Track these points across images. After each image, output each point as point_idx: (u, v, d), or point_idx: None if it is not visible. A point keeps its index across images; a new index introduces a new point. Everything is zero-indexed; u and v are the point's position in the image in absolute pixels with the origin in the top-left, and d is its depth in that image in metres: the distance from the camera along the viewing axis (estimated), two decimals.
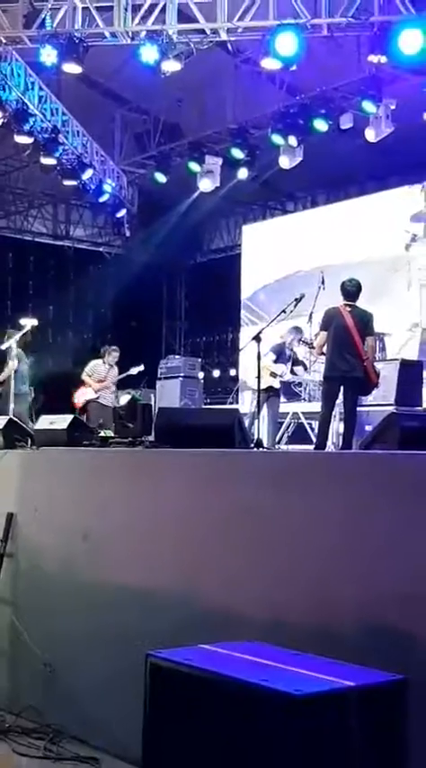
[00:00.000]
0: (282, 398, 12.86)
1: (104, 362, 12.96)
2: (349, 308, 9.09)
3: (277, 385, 11.09)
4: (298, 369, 11.25)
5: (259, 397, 8.66)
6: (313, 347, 9.57)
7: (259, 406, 8.84)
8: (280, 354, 11.07)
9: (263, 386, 10.62)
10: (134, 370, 13.02)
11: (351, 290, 9.17)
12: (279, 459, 6.03)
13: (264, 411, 10.52)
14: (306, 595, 4.52)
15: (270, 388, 10.83)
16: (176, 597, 5.20)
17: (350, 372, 8.90)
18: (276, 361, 11.01)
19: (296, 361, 11.17)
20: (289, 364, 11.06)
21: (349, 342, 8.91)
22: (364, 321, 9.09)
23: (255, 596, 4.74)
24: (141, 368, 13.06)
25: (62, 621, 6.15)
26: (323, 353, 9.26)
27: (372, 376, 8.96)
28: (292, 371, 11.22)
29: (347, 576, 4.35)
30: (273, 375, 10.90)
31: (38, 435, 7.44)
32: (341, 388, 9.04)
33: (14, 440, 7.61)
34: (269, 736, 3.46)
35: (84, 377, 12.88)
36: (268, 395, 10.72)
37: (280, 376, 11.07)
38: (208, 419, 6.91)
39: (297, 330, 11.17)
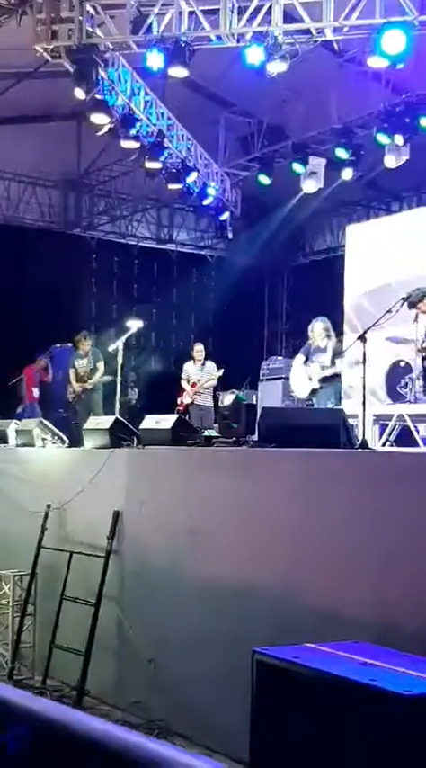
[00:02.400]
0: (387, 400, 12.70)
1: (195, 362, 13.20)
2: None
3: (316, 385, 10.87)
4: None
5: (364, 396, 8.57)
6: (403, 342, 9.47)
7: (364, 407, 8.73)
8: (309, 354, 10.97)
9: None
10: (217, 375, 13.10)
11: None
12: (386, 460, 5.96)
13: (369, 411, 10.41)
14: (414, 598, 4.46)
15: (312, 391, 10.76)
16: (280, 594, 5.21)
17: None
18: (305, 363, 10.89)
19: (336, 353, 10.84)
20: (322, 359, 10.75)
21: None
22: None
23: (361, 597, 4.71)
24: (221, 372, 13.13)
25: (167, 617, 6.22)
26: None
27: None
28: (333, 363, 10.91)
29: None
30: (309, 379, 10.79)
31: (143, 434, 7.55)
32: None
33: (120, 439, 7.75)
34: (376, 735, 3.44)
35: (182, 382, 13.15)
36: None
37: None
38: (313, 419, 6.90)
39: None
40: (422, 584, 4.43)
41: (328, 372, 10.57)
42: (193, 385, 13.05)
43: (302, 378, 10.85)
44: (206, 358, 13.39)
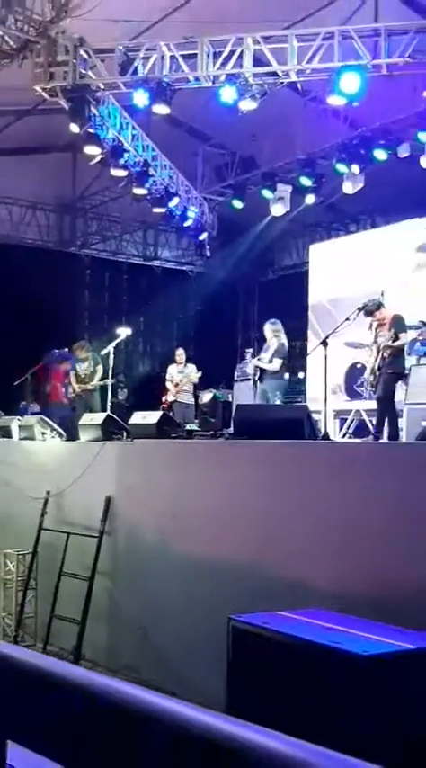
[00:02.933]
0: (345, 397, 12.74)
1: (177, 364, 13.19)
2: None
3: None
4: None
5: (325, 393, 8.60)
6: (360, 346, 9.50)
7: (326, 404, 8.76)
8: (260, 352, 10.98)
9: None
10: (196, 376, 13.09)
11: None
12: (343, 449, 6.00)
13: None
14: (368, 569, 4.49)
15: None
16: (252, 569, 5.22)
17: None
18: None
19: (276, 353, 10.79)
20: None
21: None
22: None
23: (322, 569, 4.74)
24: (200, 374, 13.12)
25: (154, 590, 6.23)
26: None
27: None
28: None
29: (402, 551, 4.31)
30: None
31: (132, 429, 7.55)
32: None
33: (112, 433, 7.75)
34: (339, 692, 3.46)
35: (167, 383, 13.11)
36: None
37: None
38: (281, 414, 6.92)
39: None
40: (376, 556, 4.46)
41: (261, 365, 10.51)
42: (176, 385, 13.06)
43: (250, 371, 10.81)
44: (187, 361, 13.39)
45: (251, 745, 1.04)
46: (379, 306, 9.31)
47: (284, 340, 10.69)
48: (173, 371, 13.22)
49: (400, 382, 9.31)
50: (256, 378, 10.60)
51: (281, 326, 10.90)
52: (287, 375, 11.03)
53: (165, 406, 12.93)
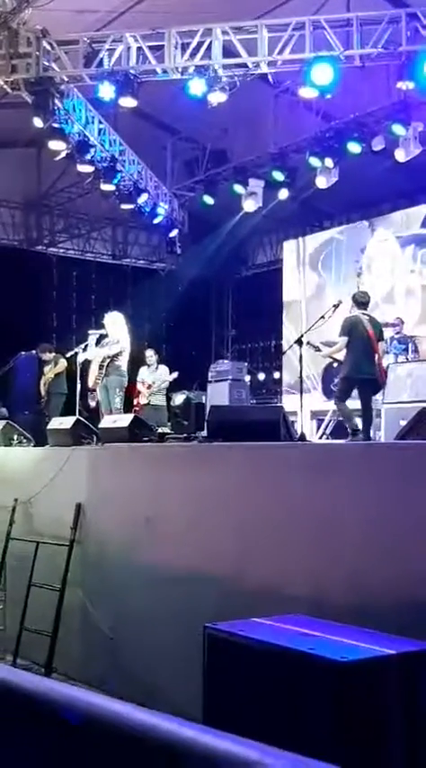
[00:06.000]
0: (323, 398, 12.80)
1: (148, 366, 13.15)
2: (367, 317, 9.20)
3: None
4: None
5: (301, 393, 8.64)
6: (319, 350, 9.54)
7: (301, 404, 8.80)
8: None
9: None
10: (170, 377, 13.11)
11: (365, 301, 9.38)
12: (320, 450, 6.02)
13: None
14: (344, 574, 4.51)
15: None
16: (226, 573, 5.23)
17: (372, 375, 9.00)
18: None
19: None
20: None
21: (370, 348, 9.01)
22: (378, 329, 9.25)
23: (298, 574, 4.75)
24: (176, 374, 13.16)
25: (126, 599, 6.21)
26: (332, 357, 9.44)
27: (383, 376, 9.15)
28: None
29: (382, 555, 4.34)
30: None
31: (102, 433, 7.53)
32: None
33: (81, 437, 7.72)
34: (317, 699, 3.47)
35: (138, 385, 13.06)
36: None
37: None
38: (256, 415, 6.94)
39: None
40: (351, 561, 4.48)
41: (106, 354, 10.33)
42: (148, 387, 13.04)
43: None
44: (158, 362, 13.37)
45: (205, 746, 1.08)
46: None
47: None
48: (144, 373, 13.20)
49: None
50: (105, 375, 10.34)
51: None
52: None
53: (138, 408, 12.91)
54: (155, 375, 13.09)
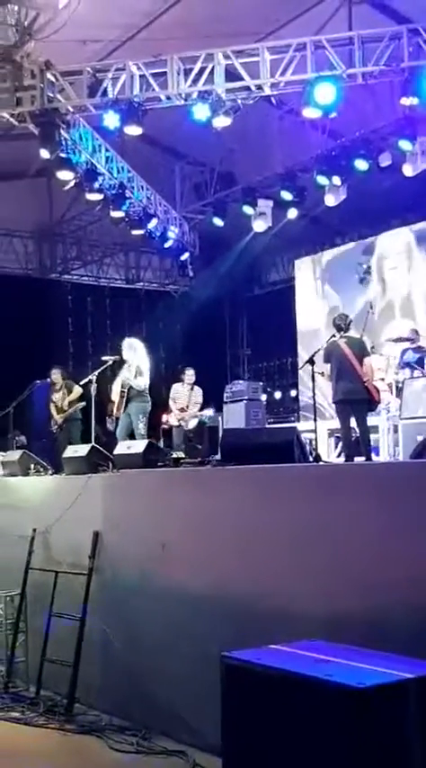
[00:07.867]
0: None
1: (183, 384, 12.86)
2: (344, 340, 9.32)
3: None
4: None
5: (315, 413, 8.61)
6: (323, 374, 9.60)
7: (316, 423, 8.75)
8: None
9: None
10: (206, 414, 12.82)
11: (342, 325, 9.47)
12: (332, 471, 5.98)
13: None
14: (361, 596, 4.47)
15: None
16: (242, 598, 5.20)
17: (352, 395, 9.06)
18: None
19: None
20: None
21: (348, 369, 9.10)
22: (359, 347, 9.33)
23: (314, 596, 4.71)
24: (211, 412, 12.86)
25: (143, 625, 6.18)
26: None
27: (373, 394, 9.18)
28: None
29: (397, 576, 4.29)
30: None
31: (117, 459, 7.52)
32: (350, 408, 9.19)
33: (97, 464, 7.71)
34: (336, 726, 3.43)
35: (170, 402, 12.73)
36: None
37: None
38: (269, 438, 6.89)
39: None
40: (367, 582, 4.43)
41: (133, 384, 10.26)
42: (182, 410, 12.62)
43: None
44: (195, 384, 12.85)
45: None
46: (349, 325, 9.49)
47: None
48: (180, 391, 12.75)
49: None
50: (127, 400, 10.32)
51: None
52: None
53: (166, 427, 12.65)
54: (190, 396, 12.68)
